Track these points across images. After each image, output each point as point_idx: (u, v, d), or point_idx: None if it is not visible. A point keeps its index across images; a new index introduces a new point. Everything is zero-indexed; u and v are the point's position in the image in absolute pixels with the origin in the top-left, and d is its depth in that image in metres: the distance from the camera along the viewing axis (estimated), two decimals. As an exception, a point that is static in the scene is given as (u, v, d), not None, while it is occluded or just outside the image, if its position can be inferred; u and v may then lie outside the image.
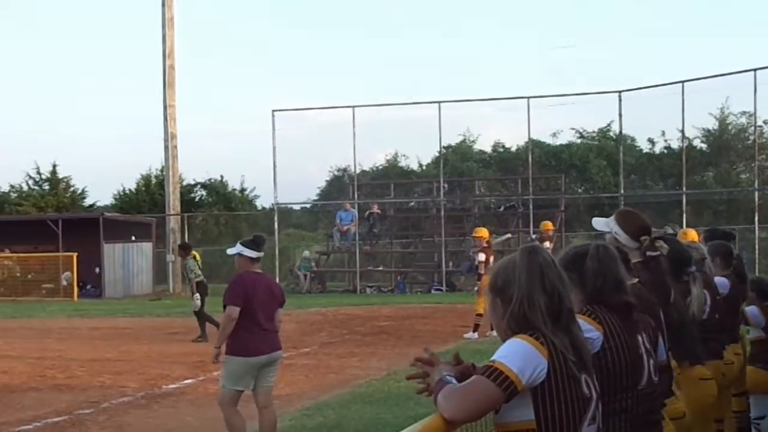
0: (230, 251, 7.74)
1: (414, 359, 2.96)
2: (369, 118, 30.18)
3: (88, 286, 29.58)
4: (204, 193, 43.31)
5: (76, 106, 70.34)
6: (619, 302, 3.26)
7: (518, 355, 2.70)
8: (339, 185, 41.32)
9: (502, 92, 63.42)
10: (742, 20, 60.82)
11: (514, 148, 40.18)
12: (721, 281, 5.82)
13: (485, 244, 15.80)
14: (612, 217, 4.46)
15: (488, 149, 41.90)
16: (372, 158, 44.44)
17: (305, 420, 8.84)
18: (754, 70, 23.52)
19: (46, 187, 41.35)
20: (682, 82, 24.94)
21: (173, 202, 31.22)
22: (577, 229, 32.72)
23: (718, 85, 25.68)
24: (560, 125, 39.81)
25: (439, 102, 28.04)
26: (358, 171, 31.40)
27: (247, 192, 43.22)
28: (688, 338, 4.46)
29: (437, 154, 32.43)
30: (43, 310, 23.95)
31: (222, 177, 43.31)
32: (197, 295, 16.08)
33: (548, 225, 18.84)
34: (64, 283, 28.70)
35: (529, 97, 27.25)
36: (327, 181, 44.33)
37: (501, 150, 41.37)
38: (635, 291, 3.69)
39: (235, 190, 43.24)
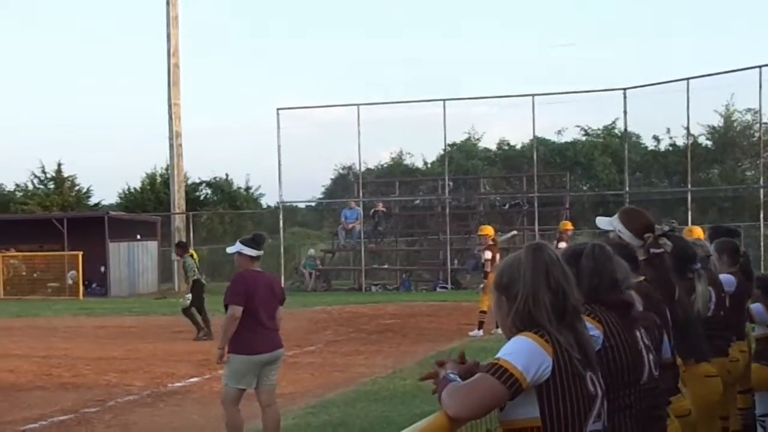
0: (230, 250, 7.73)
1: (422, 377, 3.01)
2: (374, 116, 30.09)
3: (94, 285, 29.65)
4: (209, 191, 43.21)
5: (80, 105, 70.59)
6: (615, 301, 3.25)
7: (523, 353, 2.70)
8: (344, 183, 41.30)
9: (506, 90, 63.46)
10: (747, 17, 60.75)
11: (519, 146, 40.15)
12: (727, 278, 5.81)
13: (491, 242, 15.77)
14: (616, 216, 4.46)
15: (493, 147, 41.82)
16: (377, 156, 44.26)
17: (310, 418, 8.84)
18: (760, 67, 23.42)
19: (52, 186, 41.29)
20: (687, 79, 24.84)
21: (178, 200, 31.27)
22: (581, 227, 32.60)
23: (723, 82, 25.64)
24: (565, 123, 39.81)
25: (444, 100, 27.99)
26: (363, 169, 31.45)
27: (252, 190, 43.18)
28: (693, 335, 4.45)
29: (442, 152, 32.44)
30: (49, 308, 24.01)
31: (227, 175, 43.26)
32: (189, 294, 16.22)
33: (567, 225, 17.24)
34: (70, 281, 28.77)
35: (534, 95, 27.17)
36: (332, 179, 44.25)
37: (506, 148, 41.27)
38: (642, 289, 3.69)
39: (240, 188, 43.17)
